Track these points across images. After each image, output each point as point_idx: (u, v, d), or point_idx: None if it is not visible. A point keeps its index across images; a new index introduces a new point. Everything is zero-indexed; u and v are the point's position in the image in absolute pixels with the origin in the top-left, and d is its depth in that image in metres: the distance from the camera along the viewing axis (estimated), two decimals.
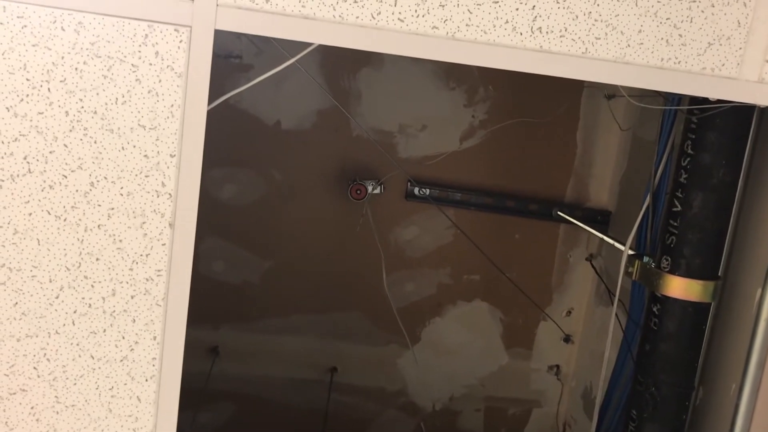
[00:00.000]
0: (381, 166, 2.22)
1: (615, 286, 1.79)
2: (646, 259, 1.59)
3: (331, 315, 2.32)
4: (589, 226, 2.16)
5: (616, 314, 1.84)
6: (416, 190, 2.24)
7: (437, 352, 2.36)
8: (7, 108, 1.10)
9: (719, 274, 1.51)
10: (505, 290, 2.31)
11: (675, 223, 1.49)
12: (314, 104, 2.19)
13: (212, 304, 2.29)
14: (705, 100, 1.36)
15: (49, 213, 1.15)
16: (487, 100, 2.22)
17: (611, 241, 1.85)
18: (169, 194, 1.18)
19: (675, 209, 1.50)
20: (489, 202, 2.27)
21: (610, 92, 2.20)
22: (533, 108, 2.22)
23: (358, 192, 2.16)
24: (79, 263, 1.17)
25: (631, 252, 1.66)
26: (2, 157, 1.12)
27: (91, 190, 1.16)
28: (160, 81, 1.13)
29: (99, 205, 1.17)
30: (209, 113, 1.16)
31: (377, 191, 2.17)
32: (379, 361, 2.36)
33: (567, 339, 2.35)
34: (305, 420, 2.31)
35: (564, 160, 2.28)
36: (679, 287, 1.47)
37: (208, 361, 2.28)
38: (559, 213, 2.24)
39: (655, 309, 1.53)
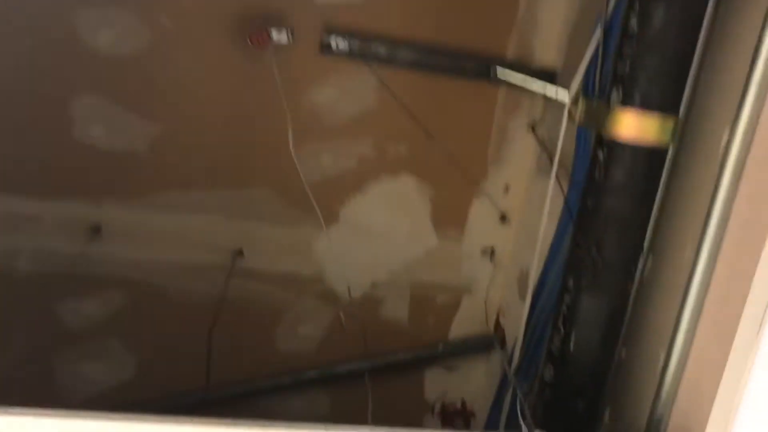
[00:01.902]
0: (292, 11, 1.86)
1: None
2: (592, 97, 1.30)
3: (234, 190, 2.01)
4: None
5: (557, 178, 1.58)
6: (333, 43, 1.90)
7: (358, 233, 2.08)
8: None
9: (680, 111, 1.22)
10: (435, 163, 2.02)
11: (630, 48, 1.19)
12: None
13: (92, 176, 1.96)
14: None
15: None
16: None
17: (554, 89, 1.55)
18: None
19: (631, 32, 1.20)
20: (418, 59, 1.94)
21: None
22: None
23: (260, 39, 1.80)
24: None
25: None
26: None
27: None
28: None
29: None
30: None
31: (284, 40, 1.82)
32: (291, 244, 2.07)
33: (503, 218, 2.09)
34: (207, 310, 2.02)
35: (506, 10, 1.95)
36: (631, 124, 1.18)
37: (90, 242, 1.96)
38: (498, 71, 1.93)
39: (601, 156, 1.24)
